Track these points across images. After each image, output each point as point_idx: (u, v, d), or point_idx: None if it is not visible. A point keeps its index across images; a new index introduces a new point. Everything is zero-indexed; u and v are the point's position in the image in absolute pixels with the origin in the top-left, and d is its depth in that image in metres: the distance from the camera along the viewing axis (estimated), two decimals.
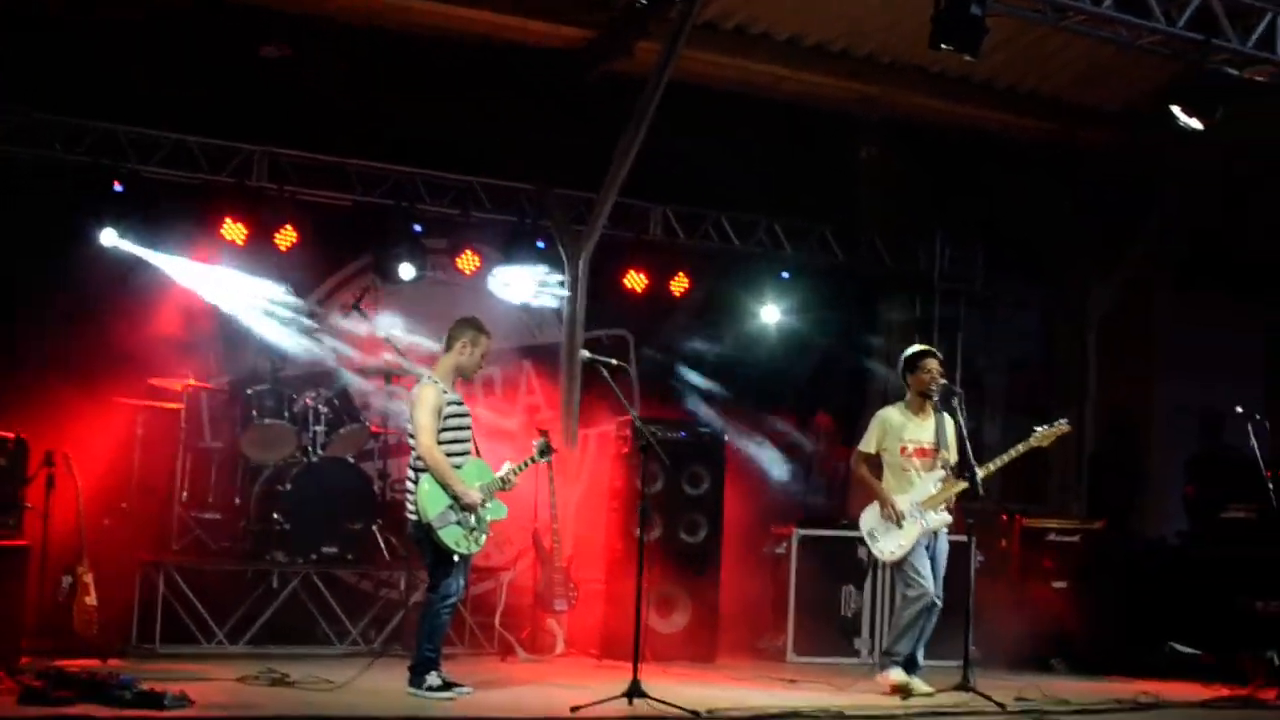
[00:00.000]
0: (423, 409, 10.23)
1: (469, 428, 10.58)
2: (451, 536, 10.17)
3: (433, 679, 10.18)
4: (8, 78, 13.06)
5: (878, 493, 11.45)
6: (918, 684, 11.17)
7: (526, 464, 10.83)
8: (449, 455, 10.28)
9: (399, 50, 13.95)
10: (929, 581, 11.26)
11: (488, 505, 10.42)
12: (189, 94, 13.83)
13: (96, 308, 13.36)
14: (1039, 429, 11.46)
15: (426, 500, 10.15)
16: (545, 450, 10.95)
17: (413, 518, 10.27)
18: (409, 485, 10.37)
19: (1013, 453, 11.42)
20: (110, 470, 12.70)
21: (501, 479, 10.58)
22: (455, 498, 10.20)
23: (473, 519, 10.28)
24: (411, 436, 10.38)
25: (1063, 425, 11.53)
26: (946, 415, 11.63)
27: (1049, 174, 15.94)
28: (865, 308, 17.16)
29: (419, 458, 10.26)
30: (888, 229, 16.99)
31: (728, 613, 13.61)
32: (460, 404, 10.52)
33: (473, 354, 10.57)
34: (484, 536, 10.43)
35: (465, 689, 10.31)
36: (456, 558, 10.24)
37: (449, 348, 10.59)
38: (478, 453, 10.68)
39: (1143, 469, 16.79)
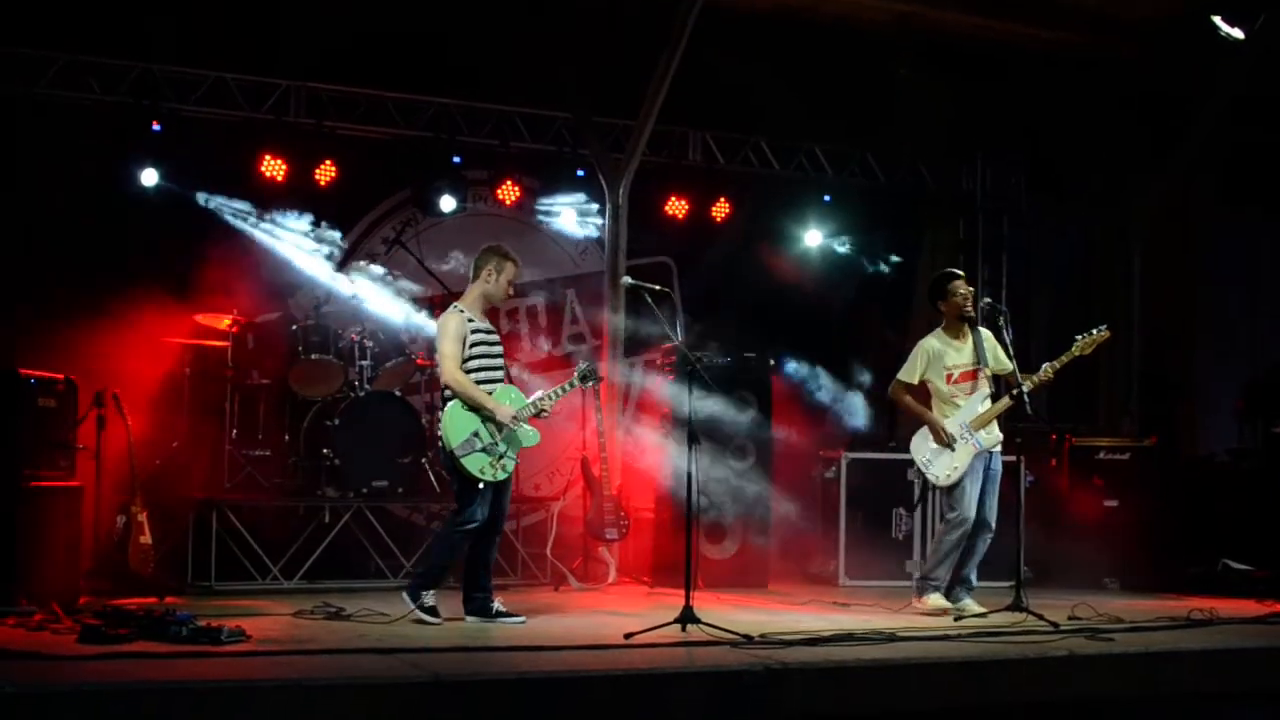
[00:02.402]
0: (446, 338, 10.25)
1: (499, 355, 10.58)
2: (475, 464, 10.18)
3: (428, 598, 10.24)
4: (45, 21, 13.05)
5: (927, 419, 11.42)
6: (970, 604, 11.17)
7: (566, 389, 10.75)
8: (480, 384, 10.28)
9: None
10: (972, 508, 11.25)
11: (519, 430, 10.39)
12: (225, 30, 13.78)
13: (140, 248, 13.35)
14: (1079, 337, 11.34)
15: (450, 427, 10.17)
16: (587, 376, 10.86)
17: (441, 445, 10.30)
18: (438, 415, 10.39)
19: (1056, 364, 11.32)
20: (160, 409, 12.73)
21: (535, 403, 10.53)
22: (488, 416, 10.20)
23: (500, 445, 10.26)
24: (439, 367, 10.36)
25: (1103, 332, 11.38)
26: (985, 330, 11.57)
27: (1089, 89, 15.77)
28: (908, 230, 17.06)
29: (447, 386, 10.27)
30: (928, 150, 16.88)
31: (778, 538, 13.61)
32: (490, 331, 10.53)
33: (499, 281, 10.53)
34: (511, 463, 10.40)
35: (519, 618, 10.37)
36: (481, 485, 10.23)
37: (475, 276, 10.57)
38: (510, 381, 10.66)
39: (1191, 384, 16.69)
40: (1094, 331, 11.36)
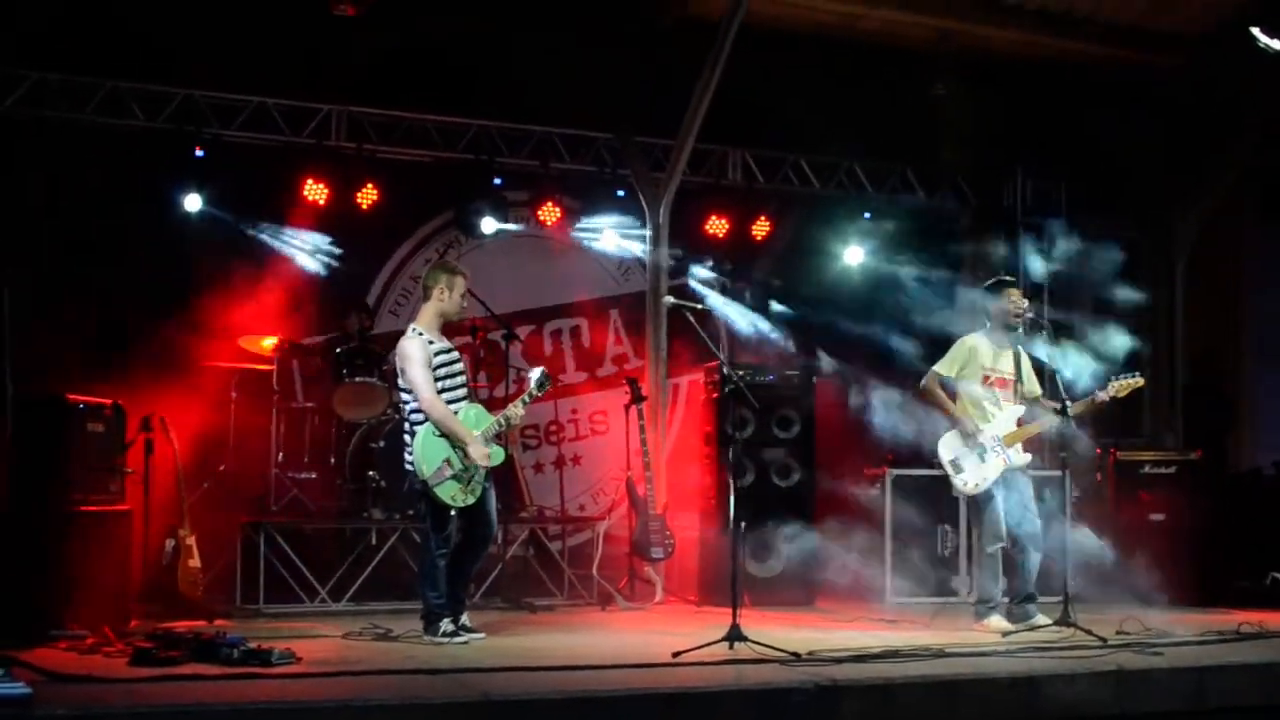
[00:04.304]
0: (413, 364, 10.19)
1: (462, 373, 10.54)
2: (447, 492, 10.15)
3: (445, 625, 10.21)
4: (89, 49, 13.16)
5: (956, 417, 11.36)
6: (1040, 619, 11.04)
7: (526, 401, 10.64)
8: (447, 405, 10.26)
9: (474, 2, 13.89)
10: (1003, 523, 11.20)
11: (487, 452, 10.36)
12: (266, 56, 13.87)
13: (184, 273, 13.47)
14: (1114, 380, 11.29)
15: (423, 456, 10.12)
16: (542, 383, 10.67)
17: (410, 469, 10.23)
18: (406, 439, 10.31)
19: (1088, 403, 11.28)
20: (206, 433, 12.79)
21: (499, 421, 10.48)
22: (462, 448, 10.17)
23: (470, 470, 10.23)
24: (406, 391, 10.29)
25: (1137, 379, 11.32)
26: (1024, 350, 11.55)
27: (1129, 105, 15.72)
28: (949, 246, 17.02)
29: (414, 411, 10.23)
30: (969, 167, 16.86)
31: (824, 555, 13.57)
32: (450, 350, 10.48)
33: (451, 296, 10.48)
34: (480, 486, 10.35)
35: (479, 635, 10.37)
36: (453, 511, 10.23)
37: (427, 296, 10.50)
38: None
39: (1236, 399, 16.61)
40: (1128, 378, 11.28)
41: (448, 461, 10.16)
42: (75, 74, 13.38)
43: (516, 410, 10.59)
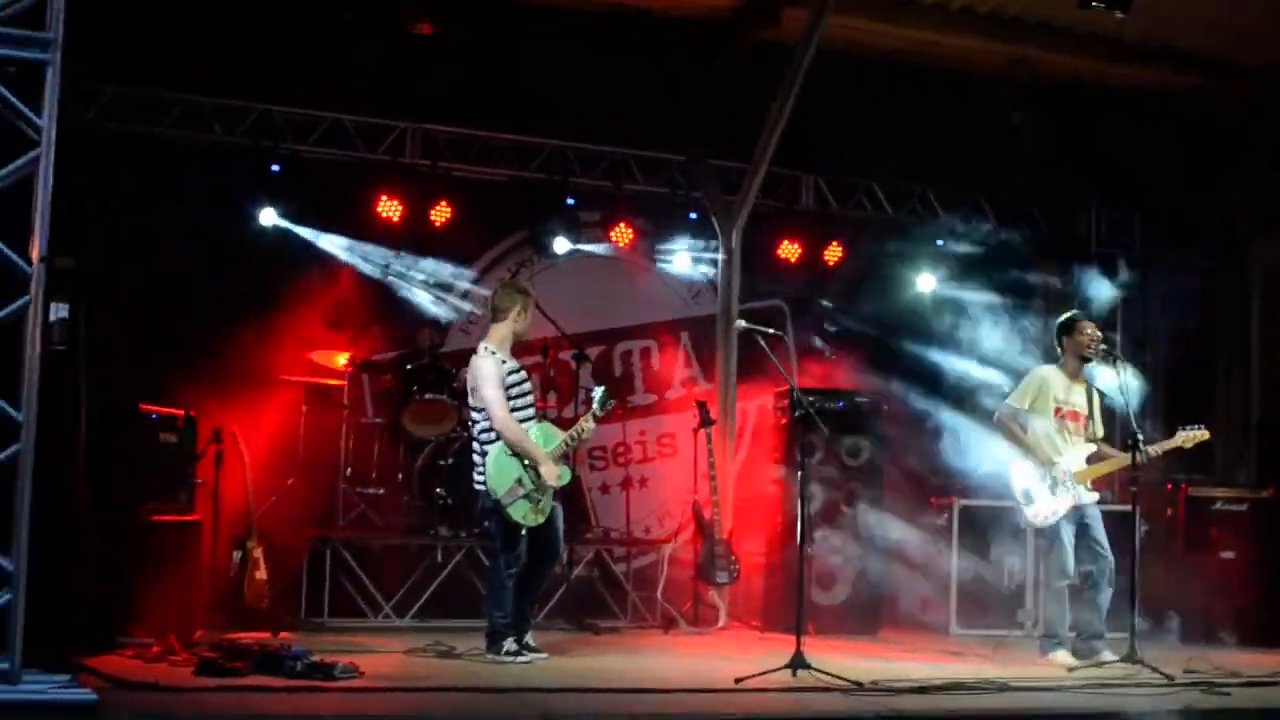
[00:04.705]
0: (487, 383, 10.26)
1: (530, 392, 10.63)
2: (519, 511, 10.21)
3: (509, 644, 10.22)
4: (168, 64, 13.28)
5: (1035, 449, 11.29)
6: (1107, 654, 10.93)
7: (594, 417, 10.67)
8: (520, 424, 10.34)
9: (549, 22, 13.93)
10: (1070, 559, 11.10)
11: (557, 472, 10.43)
12: (343, 73, 13.98)
13: (258, 287, 13.52)
14: (1182, 431, 11.19)
15: (495, 475, 10.19)
16: (604, 402, 10.70)
17: (481, 489, 10.30)
18: (475, 458, 10.39)
19: (1156, 449, 11.19)
20: (276, 447, 12.81)
21: (565, 442, 10.55)
22: (534, 468, 10.23)
23: (539, 490, 10.29)
24: (478, 410, 10.37)
25: (1202, 432, 11.21)
26: (1095, 387, 11.48)
27: (1204, 134, 15.62)
28: (1022, 274, 16.93)
29: (485, 430, 10.30)
30: (1042, 194, 16.77)
31: (890, 584, 13.52)
32: (519, 370, 10.56)
33: (524, 318, 10.61)
34: (549, 506, 10.41)
35: (542, 654, 10.38)
36: (524, 530, 10.28)
37: (501, 317, 10.58)
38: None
39: None
40: (1194, 429, 11.18)
41: (519, 481, 10.21)
42: (156, 87, 13.49)
43: (585, 427, 10.66)
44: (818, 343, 15.62)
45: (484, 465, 10.28)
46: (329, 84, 14.02)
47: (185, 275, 13.24)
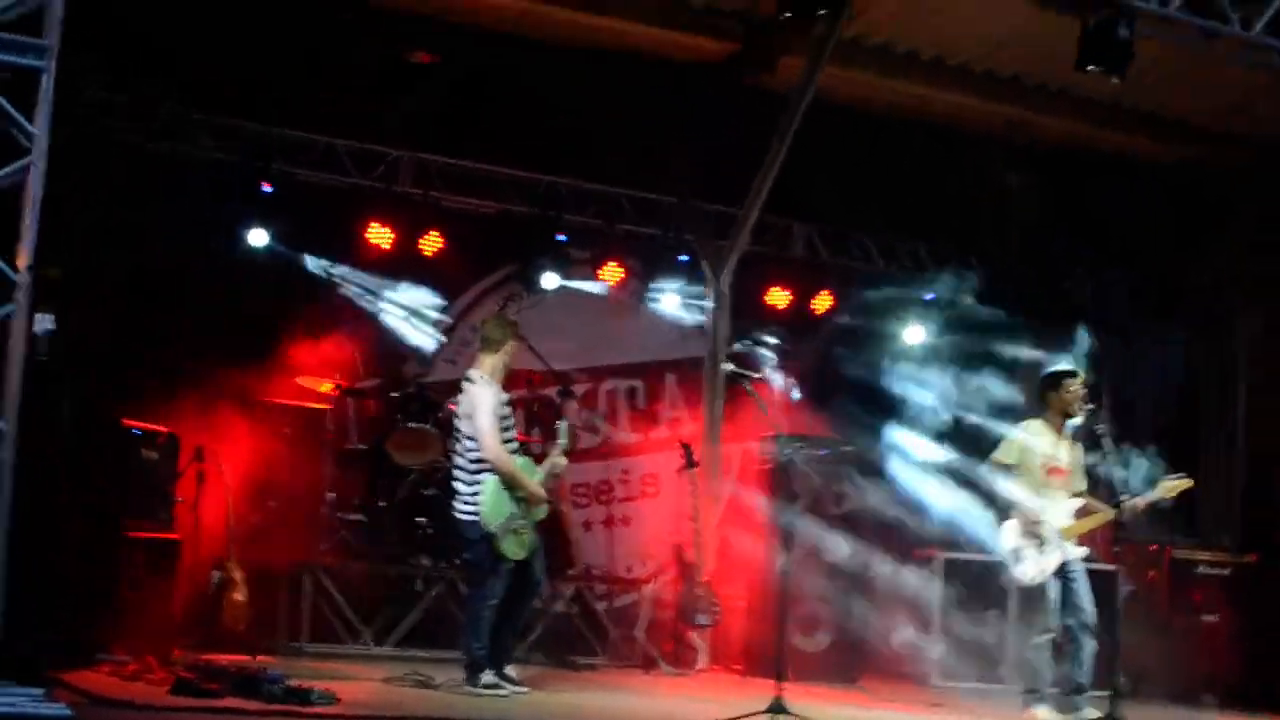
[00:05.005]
0: (484, 413, 10.28)
1: (514, 425, 10.75)
2: (510, 545, 10.23)
3: (487, 677, 10.18)
4: (165, 76, 13.20)
5: (1021, 506, 11.21)
6: (1089, 712, 10.87)
7: (563, 451, 10.77)
8: None
9: (545, 60, 13.89)
10: (1056, 615, 11.04)
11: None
12: (339, 99, 13.91)
13: (245, 307, 13.37)
14: (1164, 480, 11.18)
15: (491, 507, 10.19)
16: (569, 435, 10.88)
17: (468, 518, 10.27)
18: (460, 487, 10.37)
19: (1140, 502, 11.14)
20: (258, 469, 12.60)
21: (545, 476, 10.59)
22: (525, 498, 10.26)
23: (525, 523, 10.31)
24: (468, 439, 10.35)
25: (1184, 479, 11.20)
26: (1079, 443, 11.44)
27: (1193, 200, 15.66)
28: (1009, 333, 16.91)
29: (477, 460, 10.27)
30: (1034, 255, 16.78)
31: (871, 633, 13.42)
32: (509, 403, 10.62)
33: (512, 353, 10.71)
34: (531, 538, 10.44)
35: (523, 689, 10.34)
36: (511, 564, 10.25)
37: (496, 348, 10.61)
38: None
39: None
40: (1177, 478, 11.17)
41: (511, 515, 10.21)
42: (149, 97, 13.38)
43: (558, 462, 10.73)
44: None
45: (472, 494, 10.25)
46: (325, 108, 13.93)
47: (173, 291, 13.08)
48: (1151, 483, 11.23)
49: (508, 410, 10.52)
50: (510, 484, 10.22)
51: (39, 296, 8.33)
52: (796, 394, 14.87)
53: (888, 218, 15.95)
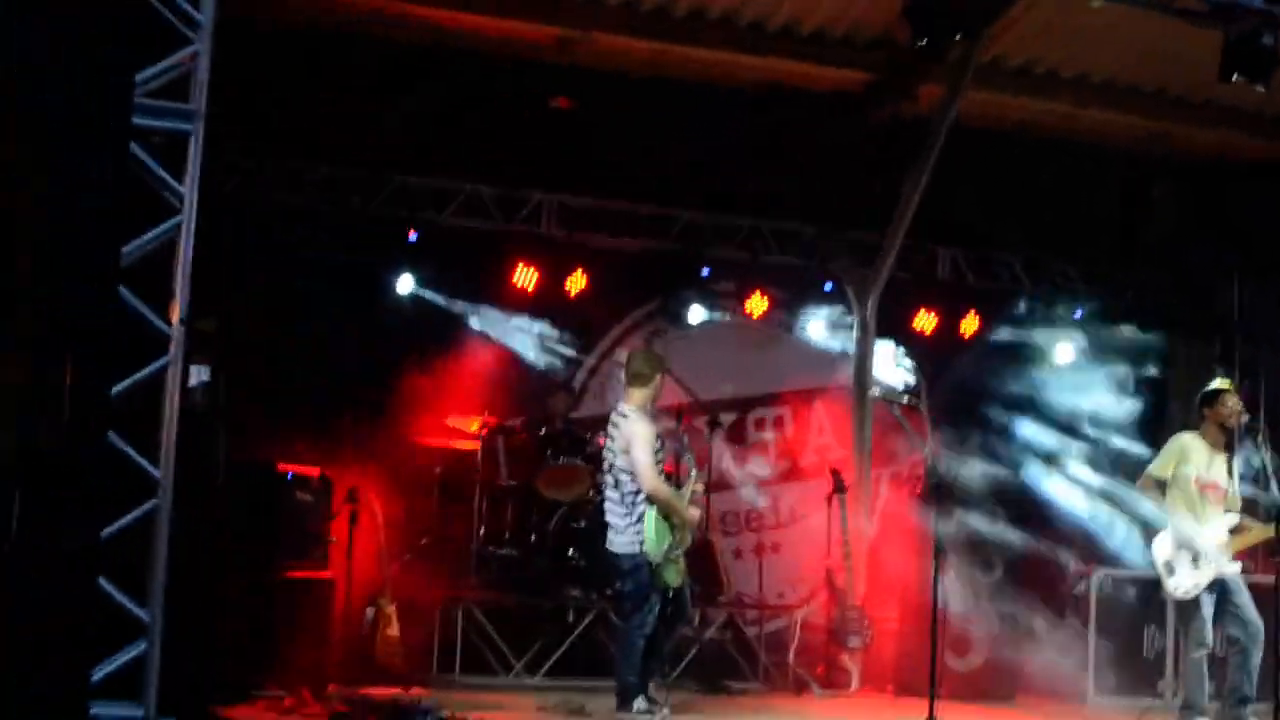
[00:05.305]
0: (642, 447, 10.35)
1: (665, 456, 10.81)
2: (670, 574, 10.33)
3: (640, 703, 10.20)
4: (309, 135, 13.56)
5: (1176, 519, 11.11)
6: None
7: (695, 481, 10.97)
8: None
9: (684, 98, 14.01)
10: (1209, 630, 10.92)
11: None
12: (482, 145, 14.15)
13: (395, 352, 13.64)
14: None
15: (653, 538, 10.25)
16: (699, 477, 11.07)
17: (625, 550, 10.35)
18: (614, 520, 10.46)
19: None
20: (411, 508, 12.89)
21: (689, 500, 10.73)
22: (678, 525, 10.37)
23: (679, 552, 10.45)
24: (624, 472, 10.43)
25: None
26: (1236, 459, 11.31)
27: None
28: (1161, 350, 16.72)
29: (633, 493, 10.35)
30: (1182, 269, 16.58)
31: (1026, 652, 13.31)
32: (660, 436, 10.68)
33: (661, 386, 10.80)
34: (683, 568, 10.57)
35: (664, 708, 10.33)
36: (670, 592, 10.38)
37: (644, 382, 10.68)
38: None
39: None
40: None
41: (670, 544, 10.32)
42: (297, 159, 13.77)
43: (696, 489, 10.96)
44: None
45: (627, 526, 10.36)
46: (468, 156, 14.18)
47: (324, 340, 13.39)
48: None
49: (660, 443, 10.61)
50: (667, 513, 10.35)
51: (194, 349, 8.59)
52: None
53: (1031, 238, 15.85)
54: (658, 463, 10.54)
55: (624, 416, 10.60)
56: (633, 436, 10.41)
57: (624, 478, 10.46)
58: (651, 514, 10.29)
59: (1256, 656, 10.93)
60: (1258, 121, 14.56)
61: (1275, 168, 15.25)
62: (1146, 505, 11.35)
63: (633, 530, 10.34)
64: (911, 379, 14.57)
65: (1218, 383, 11.73)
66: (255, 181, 13.60)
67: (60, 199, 6.90)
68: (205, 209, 8.16)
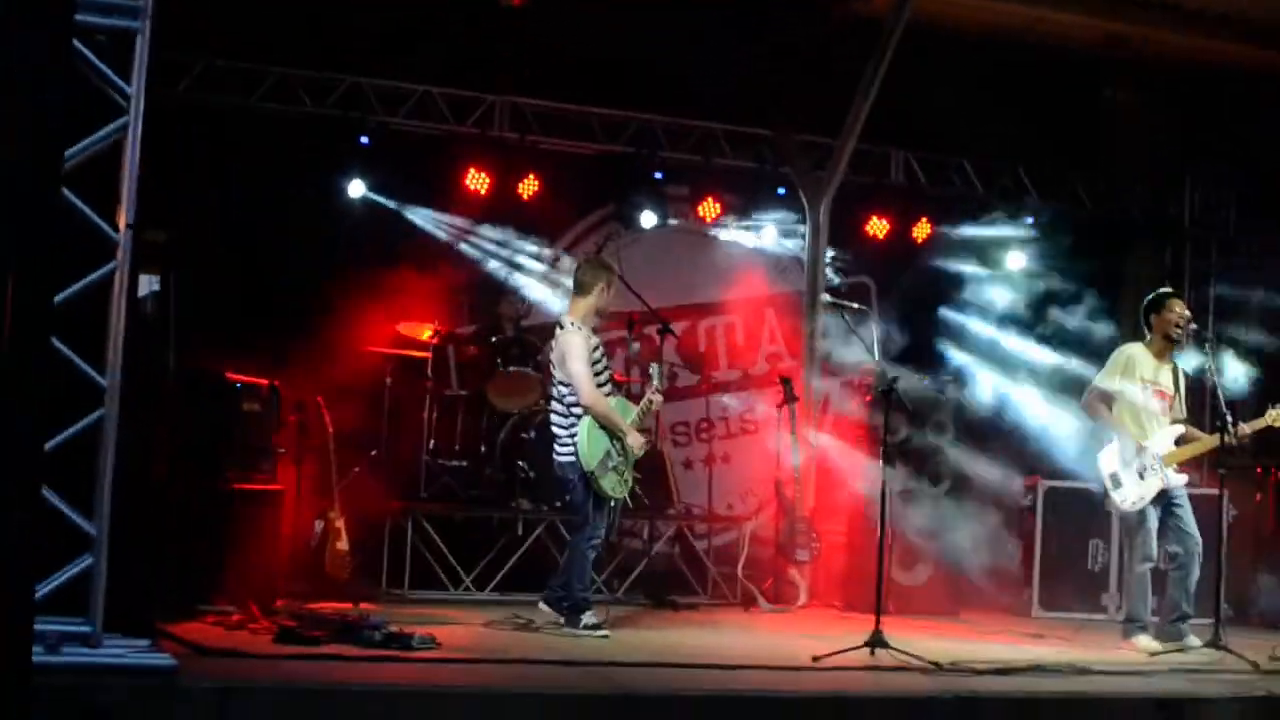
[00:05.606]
0: (576, 359, 10.30)
1: (609, 368, 10.77)
2: (609, 483, 10.31)
3: (588, 618, 10.29)
4: (259, 37, 13.36)
5: (1122, 430, 11.14)
6: (1192, 640, 10.80)
7: (658, 390, 10.78)
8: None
9: None
10: (1154, 542, 10.99)
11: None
12: (433, 46, 14.01)
13: (345, 259, 13.59)
14: (1272, 409, 10.97)
15: (588, 447, 10.24)
16: (660, 376, 10.85)
17: (567, 459, 10.35)
18: (558, 431, 10.44)
19: (1249, 428, 11.00)
20: (360, 418, 12.79)
21: (639, 413, 10.67)
22: (619, 443, 10.34)
23: (627, 460, 10.43)
24: (562, 384, 10.41)
25: None
26: (1181, 369, 11.34)
27: None
28: (1114, 256, 16.75)
29: (573, 404, 10.32)
30: (1136, 175, 16.58)
31: (972, 565, 13.40)
32: (600, 345, 10.64)
33: (607, 294, 10.66)
34: (631, 479, 10.60)
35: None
36: (613, 502, 10.40)
37: (587, 290, 10.57)
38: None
39: None
40: None
41: (608, 454, 10.31)
42: (248, 61, 13.59)
43: (654, 399, 10.76)
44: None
45: (569, 437, 10.34)
46: (418, 57, 14.05)
47: (273, 246, 13.37)
48: (1261, 413, 11.12)
49: (601, 353, 10.57)
50: (606, 425, 10.32)
51: (143, 259, 8.46)
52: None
53: (986, 142, 15.79)
54: (605, 372, 10.53)
55: (561, 328, 10.59)
56: (567, 348, 10.38)
57: (563, 390, 10.44)
58: (586, 422, 10.28)
59: (1195, 573, 11.04)
60: (1219, 24, 14.43)
61: (1234, 73, 15.17)
62: (1097, 411, 11.34)
63: (572, 441, 10.34)
64: None
65: (1163, 289, 11.74)
66: (204, 84, 13.42)
67: None
68: (152, 112, 8.00)
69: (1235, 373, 12.35)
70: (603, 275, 10.65)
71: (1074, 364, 14.46)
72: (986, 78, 14.88)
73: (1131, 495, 11.06)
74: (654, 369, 10.86)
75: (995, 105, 15.04)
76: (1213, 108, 15.40)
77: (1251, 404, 11.63)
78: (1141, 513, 11.04)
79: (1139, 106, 16.03)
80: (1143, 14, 14.29)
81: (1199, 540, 11.03)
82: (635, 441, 10.43)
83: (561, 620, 10.36)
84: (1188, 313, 11.39)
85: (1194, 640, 10.78)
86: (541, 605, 10.53)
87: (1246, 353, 14.22)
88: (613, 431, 10.34)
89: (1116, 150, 16.47)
